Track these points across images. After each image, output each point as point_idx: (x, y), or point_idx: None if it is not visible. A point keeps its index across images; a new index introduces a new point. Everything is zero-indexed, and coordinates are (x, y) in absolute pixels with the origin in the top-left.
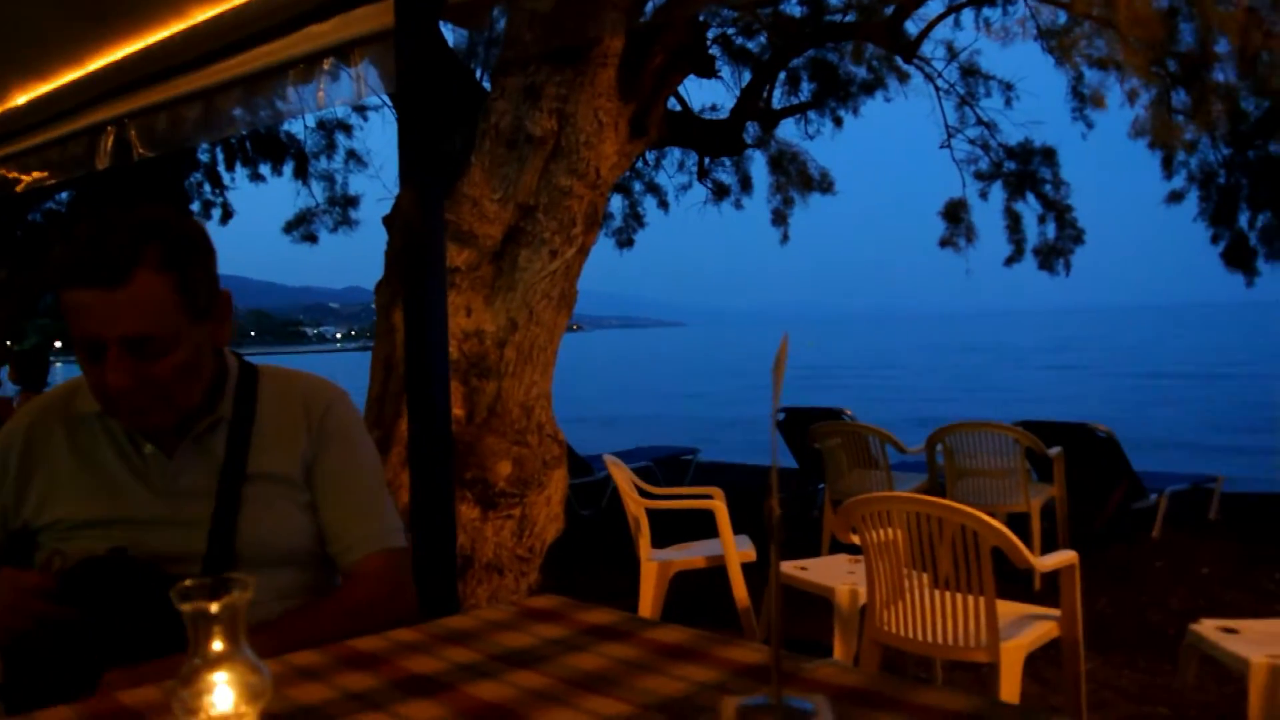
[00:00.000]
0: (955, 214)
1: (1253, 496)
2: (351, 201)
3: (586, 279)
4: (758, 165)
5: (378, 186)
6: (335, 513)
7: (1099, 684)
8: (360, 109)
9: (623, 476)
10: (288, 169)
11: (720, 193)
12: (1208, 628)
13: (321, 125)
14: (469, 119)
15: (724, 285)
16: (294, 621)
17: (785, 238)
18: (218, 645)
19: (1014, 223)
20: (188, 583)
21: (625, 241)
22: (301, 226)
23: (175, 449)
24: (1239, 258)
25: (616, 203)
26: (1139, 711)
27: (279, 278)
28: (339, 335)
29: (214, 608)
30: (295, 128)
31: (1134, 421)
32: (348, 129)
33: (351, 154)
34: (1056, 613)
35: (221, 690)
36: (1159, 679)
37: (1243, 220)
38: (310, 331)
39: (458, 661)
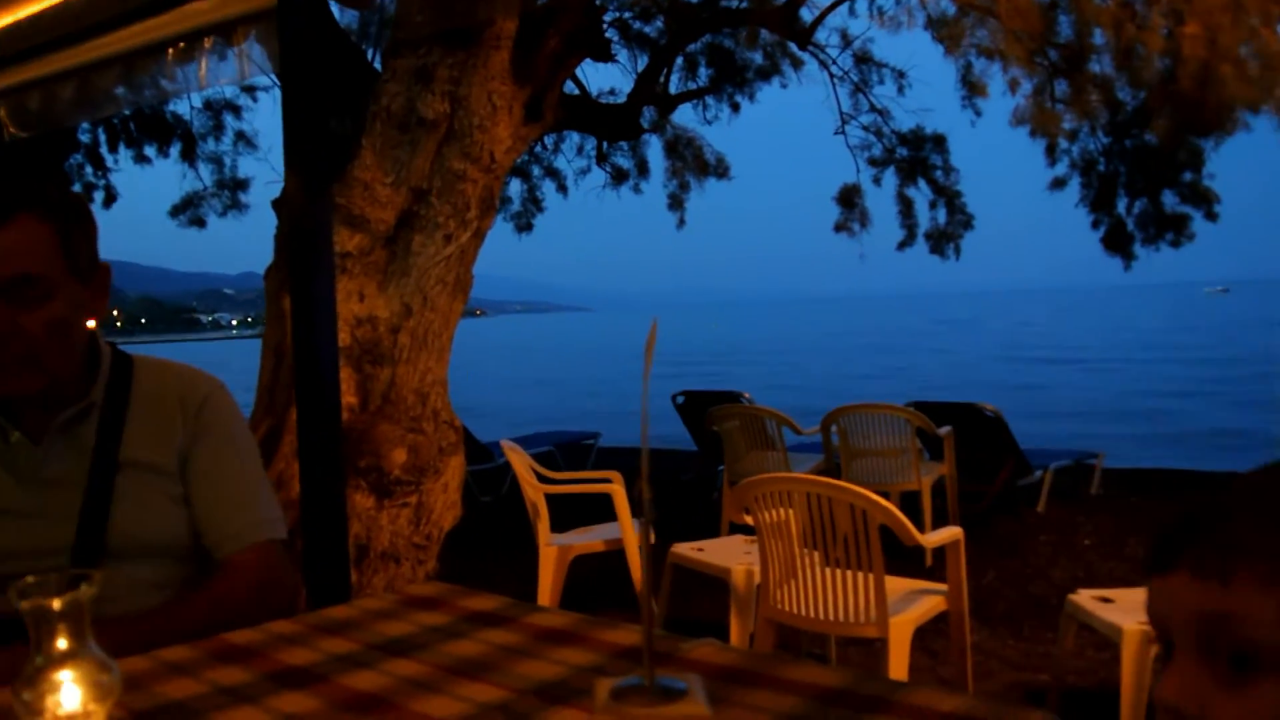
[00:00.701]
0: (849, 199)
1: (1131, 472)
2: (241, 185)
3: (490, 264)
4: (655, 150)
5: (267, 169)
6: (210, 506)
7: (985, 654)
8: (249, 89)
9: (521, 462)
10: (174, 150)
11: (619, 177)
12: (1085, 598)
13: (209, 106)
14: (360, 101)
15: (631, 270)
16: (162, 615)
17: (681, 222)
18: (62, 643)
19: (906, 208)
20: (29, 579)
21: (524, 226)
22: (189, 210)
23: (43, 436)
24: (1117, 242)
25: (515, 187)
26: (1022, 679)
27: (171, 263)
28: (235, 322)
29: (56, 604)
30: (182, 108)
31: (1020, 402)
32: (237, 110)
33: (241, 136)
34: (944, 587)
35: (68, 689)
36: (1041, 647)
37: (1121, 207)
38: (205, 318)
39: (335, 652)
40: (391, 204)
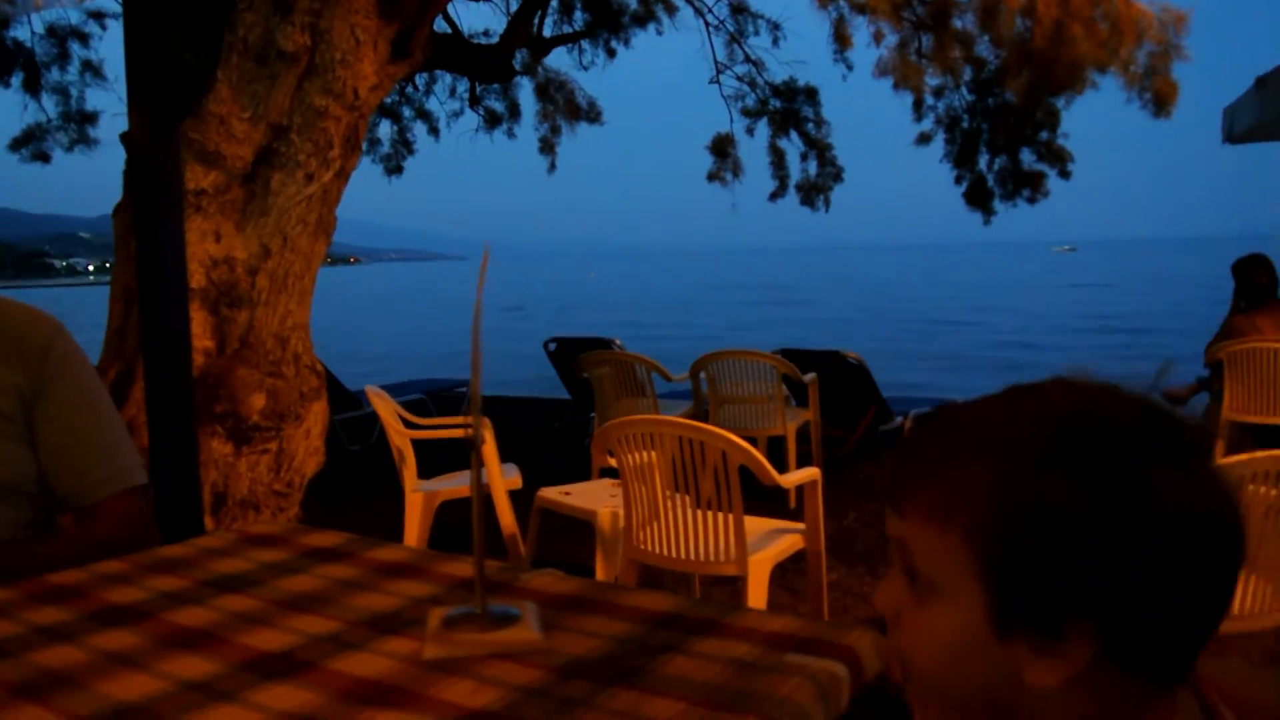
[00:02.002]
0: (722, 149)
1: None
2: (89, 118)
3: (365, 211)
4: (528, 94)
5: (116, 102)
6: (67, 454)
7: (843, 591)
8: (97, 15)
9: (386, 408)
10: (16, 81)
11: (492, 121)
12: None
13: (53, 32)
14: (215, 31)
15: (509, 220)
16: (22, 553)
17: (552, 166)
18: None
19: (778, 159)
20: None
21: (394, 169)
22: (31, 144)
23: None
24: (978, 198)
25: (384, 128)
26: (875, 614)
27: (21, 204)
28: (91, 267)
29: None
30: (23, 34)
31: (882, 351)
32: (84, 38)
33: (88, 65)
34: (802, 526)
35: None
36: None
37: (982, 163)
38: (58, 264)
39: (163, 590)
40: (249, 140)
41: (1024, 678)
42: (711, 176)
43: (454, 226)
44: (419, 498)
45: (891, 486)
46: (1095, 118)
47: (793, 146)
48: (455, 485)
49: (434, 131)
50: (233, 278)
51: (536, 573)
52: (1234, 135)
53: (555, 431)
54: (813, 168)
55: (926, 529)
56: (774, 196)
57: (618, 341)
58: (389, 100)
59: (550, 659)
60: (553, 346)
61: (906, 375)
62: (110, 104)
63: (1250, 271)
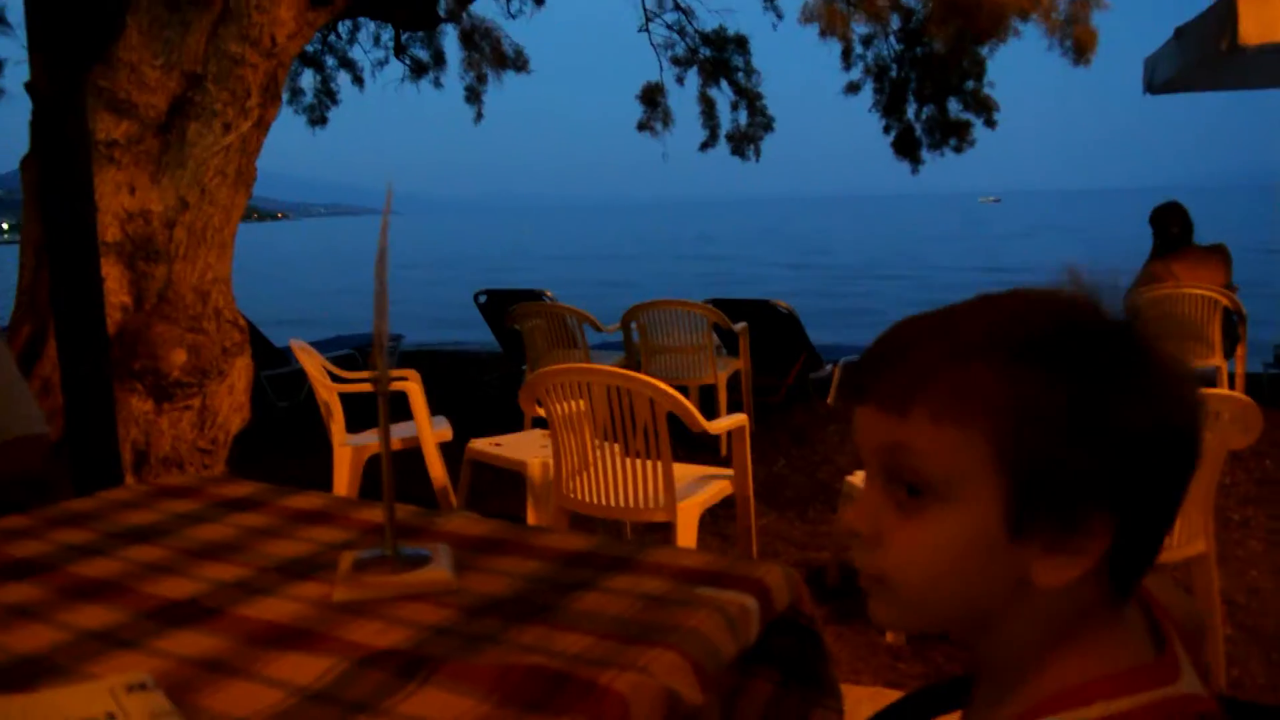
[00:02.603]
0: (652, 98)
1: None
2: None
3: (292, 164)
4: (455, 42)
5: (19, 49)
6: None
7: (773, 535)
8: None
9: (311, 362)
10: None
11: (419, 70)
12: (859, 477)
13: None
14: None
15: (440, 174)
16: None
17: (479, 116)
18: None
19: (709, 109)
20: None
21: (318, 120)
22: None
23: None
24: (906, 147)
25: (307, 78)
26: (804, 557)
27: None
28: (6, 226)
29: None
30: None
31: (810, 302)
32: None
33: None
34: (731, 472)
35: None
36: (824, 528)
37: (910, 113)
38: None
39: (68, 542)
40: (162, 88)
41: (1032, 578)
42: (642, 126)
43: (380, 180)
44: (347, 452)
45: (887, 390)
46: (1021, 69)
47: (723, 96)
48: None
49: (358, 81)
50: (149, 231)
51: (452, 515)
52: (1154, 86)
53: (487, 384)
54: (743, 117)
55: (939, 428)
56: (705, 147)
57: (549, 293)
58: (310, 49)
59: (461, 598)
60: (483, 299)
61: (832, 325)
62: (14, 51)
63: (1165, 220)
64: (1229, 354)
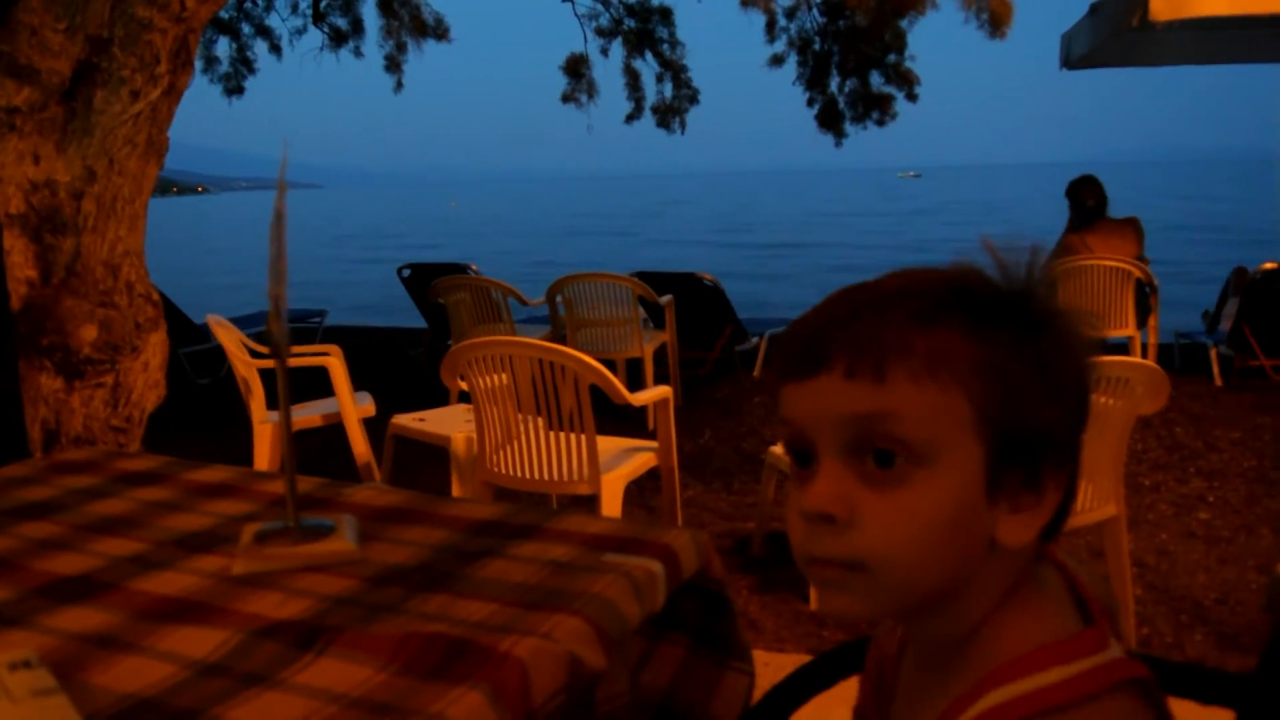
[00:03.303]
0: (577, 70)
1: None
2: None
3: (211, 137)
4: (373, 10)
5: None
6: None
7: (699, 507)
8: None
9: (229, 338)
10: None
11: (338, 39)
12: (782, 449)
13: None
14: None
15: (365, 146)
16: None
17: (399, 86)
18: None
19: (633, 80)
20: None
21: (234, 89)
22: None
23: None
24: (830, 120)
25: (223, 46)
26: (730, 528)
27: None
28: None
29: None
30: None
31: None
32: None
33: None
34: (655, 444)
35: None
36: (749, 499)
37: (833, 85)
38: None
39: None
40: (65, 53)
41: (999, 539)
42: (566, 98)
43: (309, 153)
44: (267, 429)
45: (855, 358)
46: (942, 44)
47: (648, 68)
48: (306, 415)
49: (275, 49)
50: (55, 202)
51: (360, 487)
52: (1071, 61)
53: (412, 360)
54: (668, 89)
55: (921, 390)
56: (630, 119)
57: (474, 266)
58: (225, 15)
59: (364, 568)
60: (407, 273)
61: (757, 299)
62: None
63: (1080, 194)
64: (1141, 324)
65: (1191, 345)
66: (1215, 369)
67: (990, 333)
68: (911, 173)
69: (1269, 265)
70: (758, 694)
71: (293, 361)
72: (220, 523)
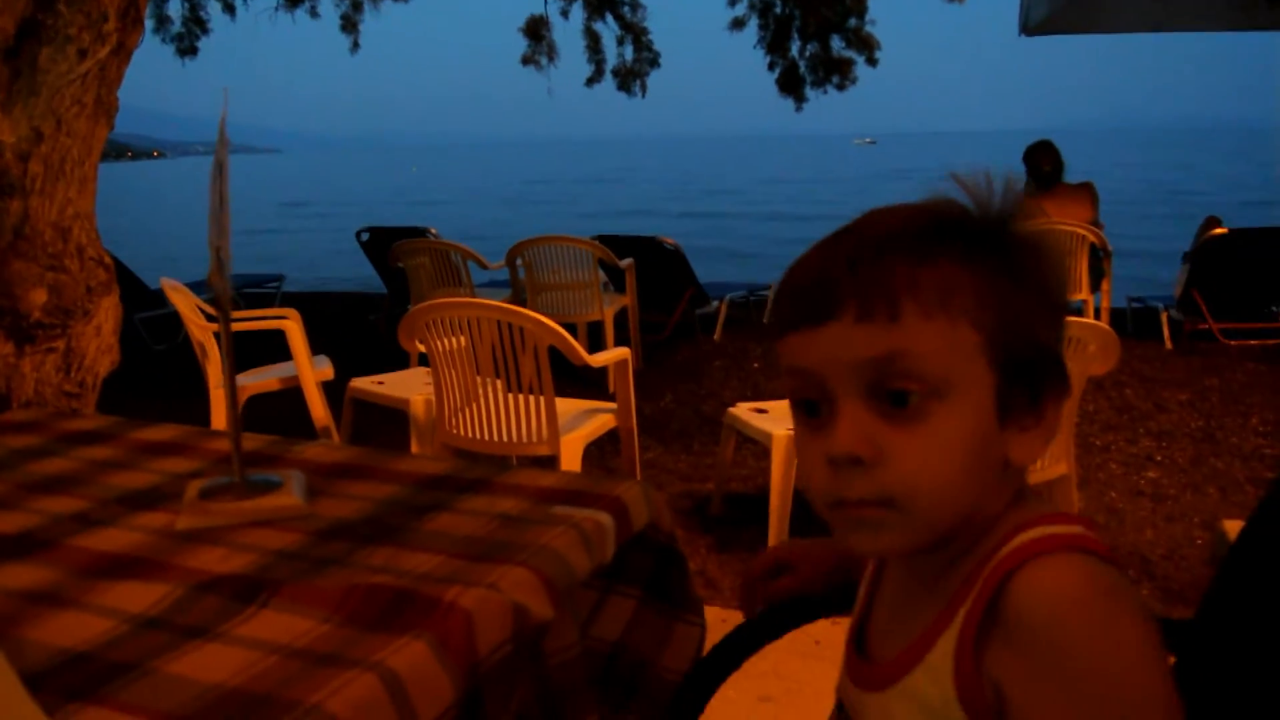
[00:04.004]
0: (536, 31)
1: None
2: None
3: (167, 101)
4: None
5: None
6: None
7: (659, 469)
8: None
9: (184, 301)
10: None
11: None
12: (742, 409)
13: None
14: None
15: (324, 111)
16: None
17: (355, 46)
18: None
19: (594, 43)
20: None
21: (187, 49)
22: None
23: None
24: (791, 84)
25: (175, 5)
26: (689, 488)
27: None
28: None
29: None
30: None
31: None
32: None
33: None
34: (614, 406)
35: None
36: (708, 460)
37: (794, 49)
38: None
39: None
40: (9, 9)
41: (1011, 459)
42: (526, 60)
43: (267, 117)
44: (224, 393)
45: (866, 300)
46: (900, 10)
47: (608, 30)
48: (263, 379)
49: (229, 9)
50: (1, 164)
51: (310, 444)
52: (1030, 27)
53: (371, 324)
54: (629, 52)
55: (933, 325)
56: (590, 82)
57: (433, 230)
58: None
59: (311, 523)
60: (365, 236)
61: (709, 264)
62: None
63: (1037, 158)
64: (1095, 288)
65: (1144, 309)
66: (1166, 332)
67: (985, 261)
68: (867, 139)
69: (1218, 231)
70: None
71: (250, 325)
72: (166, 480)
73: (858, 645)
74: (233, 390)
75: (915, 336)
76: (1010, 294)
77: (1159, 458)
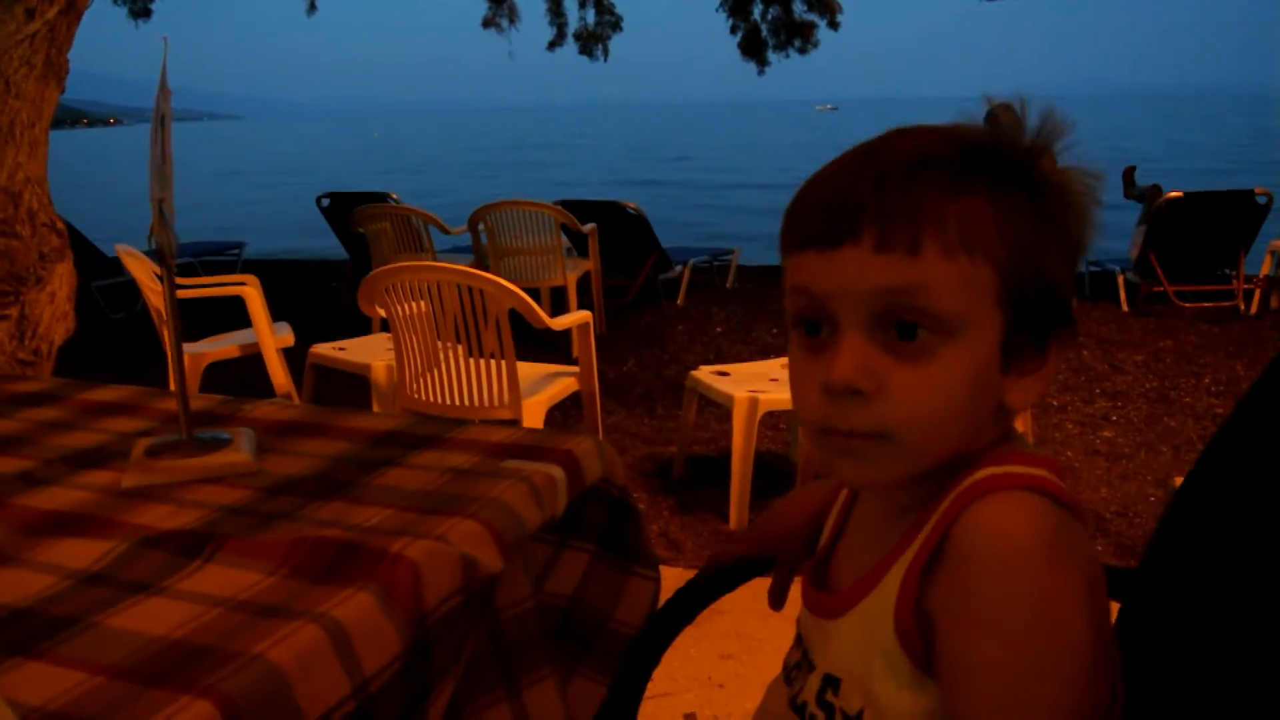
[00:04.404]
0: None
1: (761, 268)
2: None
3: (123, 65)
4: None
5: None
6: None
7: (622, 432)
8: None
9: (140, 268)
10: None
11: None
12: (704, 372)
13: None
14: None
15: (282, 75)
16: None
17: (312, 7)
18: None
19: (555, 5)
20: None
21: (140, 11)
22: None
23: None
24: (753, 48)
25: None
26: (652, 451)
27: None
28: None
29: None
30: None
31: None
32: None
33: None
34: (576, 369)
35: None
36: (671, 423)
37: (756, 12)
38: None
39: None
40: None
41: (1007, 402)
42: (487, 23)
43: (227, 83)
44: (169, 350)
45: (887, 229)
46: None
47: None
48: (223, 346)
49: None
50: None
51: (262, 402)
52: None
53: (333, 291)
54: (591, 15)
55: (954, 263)
56: (552, 45)
57: (394, 195)
58: None
59: (260, 480)
60: (326, 202)
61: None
62: None
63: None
64: None
65: (1101, 273)
66: (1122, 295)
67: (1009, 198)
68: (828, 106)
69: (1174, 194)
70: None
71: (207, 291)
72: (113, 439)
73: (818, 576)
74: (178, 345)
75: (934, 272)
76: (1030, 235)
77: (1114, 417)
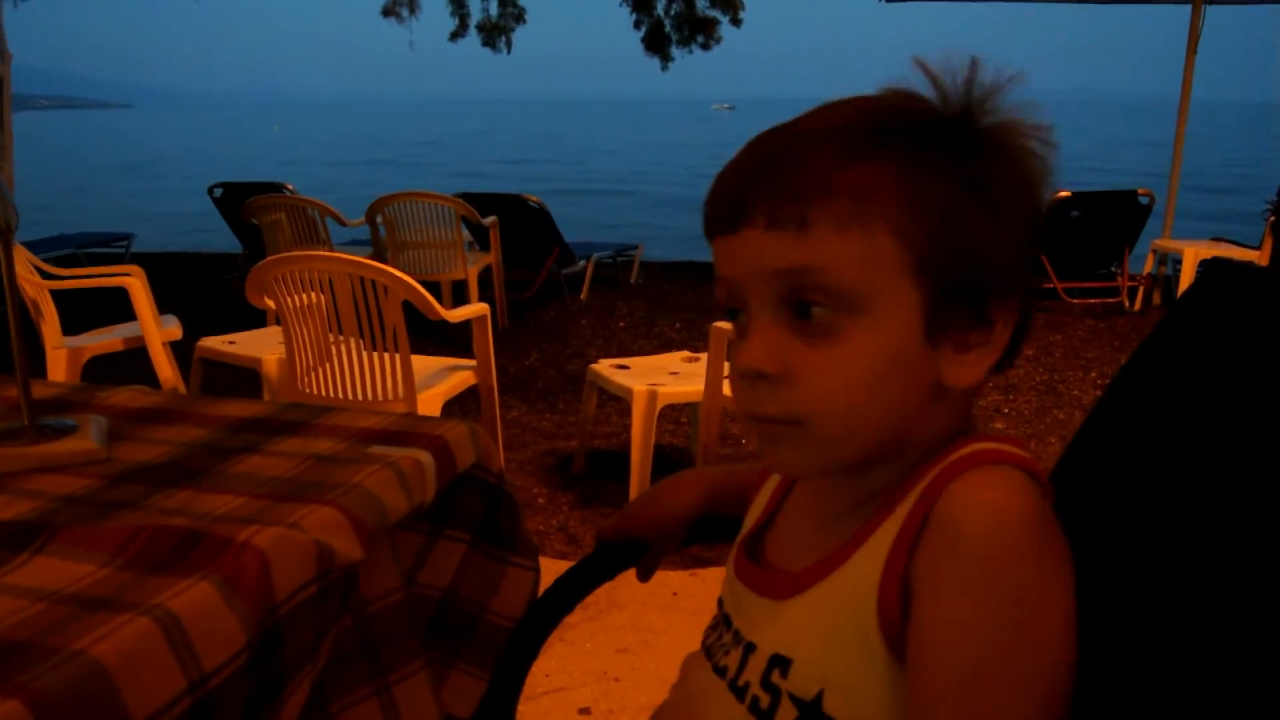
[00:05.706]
0: None
1: (664, 264)
2: None
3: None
4: None
5: None
6: None
7: (522, 427)
8: None
9: (17, 257)
10: None
11: None
12: (604, 366)
13: None
14: None
15: (177, 63)
16: None
17: None
18: None
19: None
20: None
21: None
22: None
23: None
24: (656, 43)
25: None
26: (553, 446)
27: None
28: None
29: None
30: None
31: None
32: None
33: None
34: (473, 362)
35: None
36: (573, 418)
37: (660, 7)
38: None
39: None
40: None
41: (946, 381)
42: (387, 12)
43: (113, 70)
44: (62, 354)
45: (776, 206)
46: None
47: None
48: (105, 339)
49: None
50: None
51: (120, 389)
52: None
53: (226, 283)
54: (494, 7)
55: (845, 237)
56: (454, 36)
57: (290, 186)
58: None
59: (106, 468)
60: (219, 192)
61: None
62: None
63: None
64: None
65: None
66: None
67: (925, 163)
68: (725, 105)
69: (1062, 193)
70: None
71: (88, 283)
72: None
73: (752, 552)
74: (19, 325)
75: (825, 249)
76: (954, 202)
77: (1006, 409)
